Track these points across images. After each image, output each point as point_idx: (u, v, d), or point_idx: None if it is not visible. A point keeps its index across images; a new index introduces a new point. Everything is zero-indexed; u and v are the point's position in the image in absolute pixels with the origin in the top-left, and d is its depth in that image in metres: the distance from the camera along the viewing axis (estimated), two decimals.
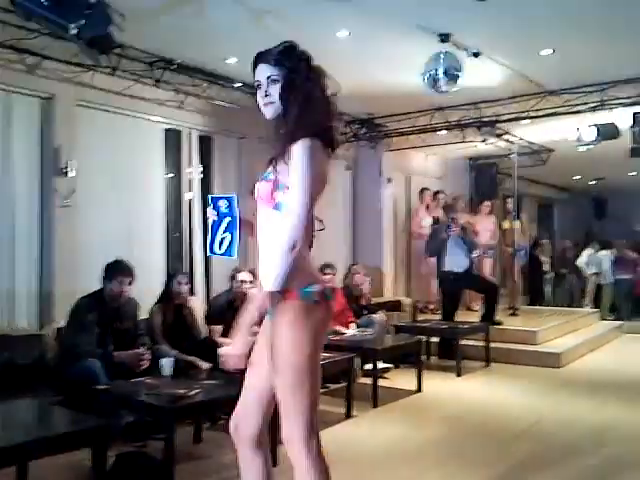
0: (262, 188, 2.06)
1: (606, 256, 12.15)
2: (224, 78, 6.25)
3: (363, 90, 6.47)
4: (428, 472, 3.61)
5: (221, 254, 2.17)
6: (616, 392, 5.56)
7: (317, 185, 1.99)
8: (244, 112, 6.62)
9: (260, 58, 2.10)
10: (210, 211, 2.18)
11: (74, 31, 3.09)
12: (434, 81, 5.06)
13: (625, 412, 4.91)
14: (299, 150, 1.97)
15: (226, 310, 4.98)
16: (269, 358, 2.04)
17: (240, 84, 6.37)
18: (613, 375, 6.33)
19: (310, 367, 2.03)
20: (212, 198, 2.22)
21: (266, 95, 2.06)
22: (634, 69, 6.11)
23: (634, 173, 12.44)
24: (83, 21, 3.08)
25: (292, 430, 2.04)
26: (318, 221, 2.14)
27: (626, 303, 11.81)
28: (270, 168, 2.07)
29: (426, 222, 8.75)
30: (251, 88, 7.21)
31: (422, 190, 9.16)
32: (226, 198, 2.19)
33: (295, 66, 2.04)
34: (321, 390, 4.73)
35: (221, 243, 2.18)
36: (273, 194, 2.03)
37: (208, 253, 2.23)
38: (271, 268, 2.01)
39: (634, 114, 6.79)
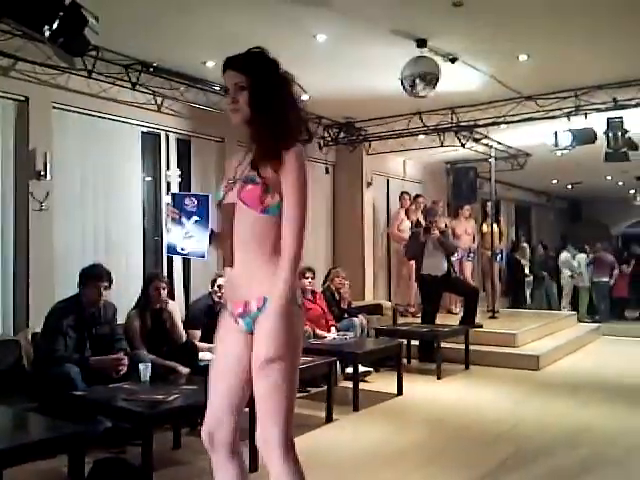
0: (247, 191, 2.04)
1: (583, 259, 12.34)
2: (202, 81, 6.23)
3: (342, 94, 6.50)
4: (409, 475, 3.61)
5: (186, 254, 2.08)
6: (594, 394, 5.62)
7: (308, 191, 2.04)
8: (223, 115, 6.59)
9: (228, 64, 2.10)
10: (171, 209, 2.09)
11: (47, 33, 3.04)
12: (412, 86, 5.09)
13: (603, 414, 4.96)
14: (294, 157, 2.01)
15: (205, 315, 4.95)
16: (241, 362, 2.07)
17: (219, 87, 6.35)
18: (591, 377, 6.40)
19: (294, 370, 2.04)
20: (175, 195, 2.13)
21: (233, 102, 2.06)
22: (607, 75, 6.21)
23: (609, 177, 12.65)
24: (56, 23, 3.04)
25: (271, 434, 2.01)
26: None
27: (604, 305, 11.99)
28: (250, 172, 2.06)
29: (405, 225, 8.79)
30: None
31: (402, 194, 9.20)
32: (195, 196, 2.10)
33: (263, 73, 2.05)
34: (302, 394, 4.74)
35: (187, 243, 2.08)
36: (262, 198, 2.02)
37: (166, 252, 2.14)
38: (256, 272, 2.03)
39: (608, 119, 6.90)
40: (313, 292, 6.20)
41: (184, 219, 2.07)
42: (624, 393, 5.65)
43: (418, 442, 4.24)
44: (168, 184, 6.60)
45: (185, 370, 4.36)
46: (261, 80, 2.04)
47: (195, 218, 2.07)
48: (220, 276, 4.99)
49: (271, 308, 1.98)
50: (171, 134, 6.60)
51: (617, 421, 4.72)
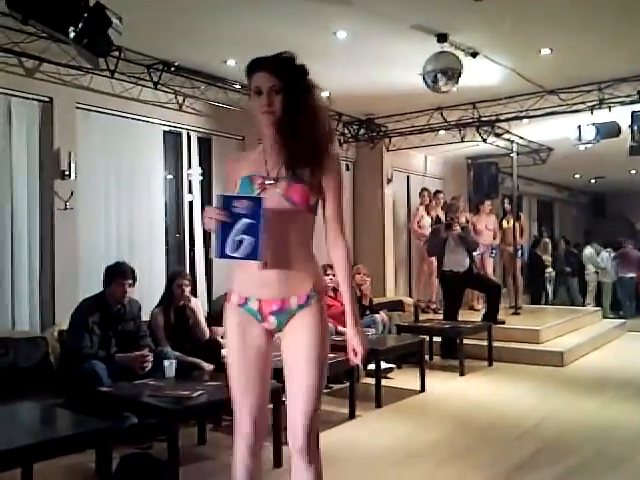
0: (296, 190, 2.09)
1: (607, 255, 12.17)
2: (223, 80, 6.26)
3: (362, 90, 6.48)
4: (433, 472, 3.60)
5: (240, 257, 2.01)
6: (620, 391, 5.55)
7: None
8: (243, 113, 6.63)
9: (260, 65, 2.13)
10: (218, 211, 2.00)
11: (72, 34, 3.08)
12: (434, 81, 5.07)
13: (629, 411, 4.90)
14: (337, 160, 2.20)
15: None
16: (263, 357, 2.14)
17: (239, 86, 6.38)
18: (616, 374, 6.32)
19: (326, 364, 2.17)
20: (224, 197, 2.02)
21: (269, 104, 2.10)
22: (631, 68, 6.12)
23: (634, 171, 12.45)
24: (81, 24, 3.07)
25: (313, 423, 2.09)
26: None
27: (629, 301, 11.83)
28: (288, 172, 2.11)
29: (426, 222, 8.76)
30: (250, 90, 7.18)
31: (422, 190, 9.16)
32: (247, 198, 2.02)
33: (295, 77, 2.11)
34: (325, 390, 4.78)
35: (238, 246, 2.01)
36: (310, 197, 2.11)
37: (215, 256, 2.06)
38: (296, 270, 2.10)
39: (632, 112, 6.80)
40: (334, 289, 6.20)
41: (233, 220, 2.01)
42: None
43: (441, 439, 4.23)
44: (190, 182, 6.66)
45: (209, 366, 4.40)
46: (294, 84, 2.10)
47: (246, 220, 2.00)
48: None
49: (318, 305, 2.10)
50: (192, 133, 6.65)
51: None
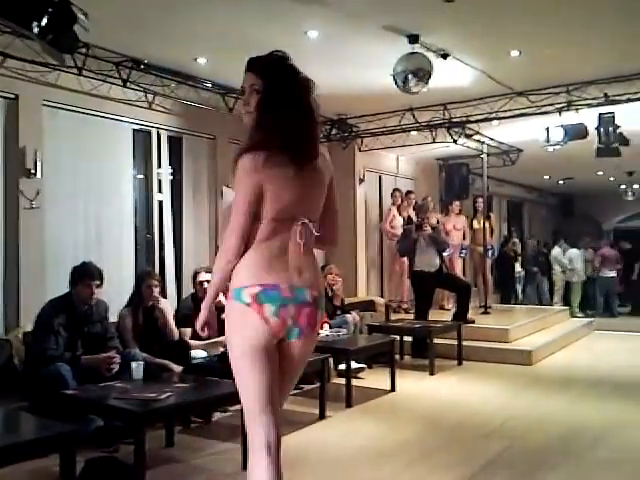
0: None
1: (575, 254, 12.39)
2: (194, 78, 6.19)
3: (334, 90, 6.47)
4: (403, 471, 3.61)
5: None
6: (587, 389, 5.64)
7: None
8: (214, 113, 6.59)
9: (249, 65, 2.14)
10: None
11: (36, 30, 3.01)
12: (404, 82, 5.09)
13: (596, 409, 4.98)
14: (329, 159, 2.22)
15: (194, 312, 4.93)
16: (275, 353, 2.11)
17: (211, 84, 6.33)
18: (584, 372, 6.42)
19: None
20: None
21: (245, 104, 2.11)
22: (598, 71, 6.22)
23: (601, 173, 12.68)
24: (45, 19, 3.00)
25: None
26: None
27: (609, 300, 12.12)
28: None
29: (398, 222, 8.80)
30: (221, 88, 7.19)
31: (393, 191, 9.20)
32: None
33: (278, 79, 2.07)
34: (295, 391, 4.79)
35: None
36: None
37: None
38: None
39: (599, 115, 6.92)
40: None
41: None
42: (616, 388, 5.67)
43: (411, 438, 4.25)
44: (160, 182, 6.58)
45: (178, 368, 4.35)
46: (275, 85, 2.06)
47: None
48: (198, 272, 5.01)
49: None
50: (162, 131, 6.58)
51: (608, 416, 4.74)
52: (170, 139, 6.69)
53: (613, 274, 12.44)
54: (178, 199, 6.77)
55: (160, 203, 6.57)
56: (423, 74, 5.00)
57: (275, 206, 2.05)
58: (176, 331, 4.69)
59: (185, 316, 4.93)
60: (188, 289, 6.34)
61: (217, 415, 4.62)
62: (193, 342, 4.74)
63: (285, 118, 2.04)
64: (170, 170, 6.71)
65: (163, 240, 6.53)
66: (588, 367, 6.67)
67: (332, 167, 2.21)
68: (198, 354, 4.68)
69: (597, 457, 3.84)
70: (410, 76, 5.00)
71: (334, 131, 8.21)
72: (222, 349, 4.57)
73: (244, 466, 3.54)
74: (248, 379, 2.06)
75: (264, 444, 2.02)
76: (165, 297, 5.42)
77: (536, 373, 6.39)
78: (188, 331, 4.81)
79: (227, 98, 6.49)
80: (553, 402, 5.19)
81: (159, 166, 6.57)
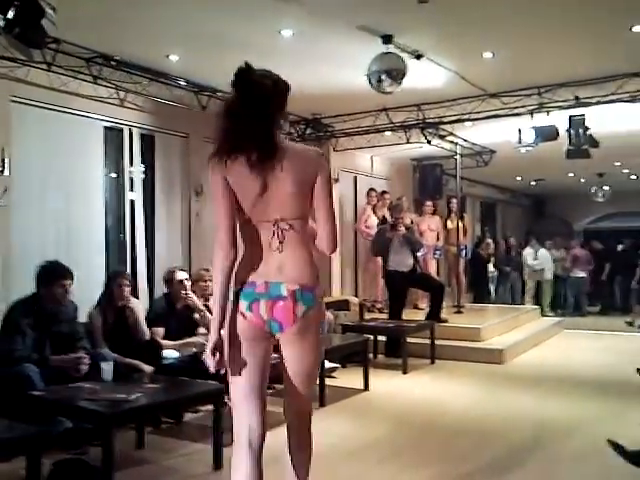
0: None
1: (545, 254, 12.57)
2: (166, 75, 6.13)
3: (308, 90, 6.47)
4: (374, 469, 3.62)
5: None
6: (556, 386, 5.72)
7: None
8: (187, 111, 6.54)
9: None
10: None
11: (1, 23, 2.94)
12: (378, 81, 5.10)
13: (565, 406, 5.05)
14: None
15: (167, 312, 4.90)
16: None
17: (184, 82, 6.27)
18: (554, 370, 6.52)
19: None
20: None
21: None
22: (569, 73, 6.31)
23: (572, 174, 12.88)
24: (11, 13, 2.94)
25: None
26: None
27: (579, 300, 12.34)
28: None
29: (372, 222, 8.83)
30: (194, 86, 7.11)
31: (369, 190, 9.23)
32: None
33: (234, 87, 2.20)
34: (269, 391, 4.84)
35: None
36: None
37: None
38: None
39: (570, 117, 7.02)
40: None
41: None
42: (584, 385, 5.77)
43: (383, 436, 4.27)
44: (132, 180, 6.50)
45: (149, 368, 4.30)
46: (234, 93, 2.21)
47: None
48: (174, 272, 4.97)
49: None
50: (134, 129, 6.49)
51: (577, 413, 4.82)
52: (142, 137, 6.61)
53: (584, 274, 12.64)
54: (150, 198, 6.69)
55: (132, 202, 6.49)
56: (397, 74, 5.02)
57: (245, 205, 2.19)
58: (147, 331, 4.64)
59: (157, 316, 4.89)
60: (161, 289, 6.28)
61: (188, 416, 4.58)
62: (165, 342, 4.69)
63: (237, 122, 2.15)
64: (142, 168, 6.63)
65: (135, 239, 6.45)
66: (558, 365, 6.77)
67: (321, 168, 2.23)
68: (170, 354, 4.63)
69: (566, 452, 3.90)
70: (384, 76, 5.01)
71: (309, 130, 8.21)
72: (194, 349, 4.54)
73: (215, 466, 3.54)
74: (232, 370, 2.24)
75: (246, 441, 2.22)
76: (137, 297, 5.36)
77: (507, 371, 6.47)
78: (160, 331, 4.77)
79: (200, 96, 6.45)
80: (524, 400, 5.25)
81: (131, 164, 6.49)
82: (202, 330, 5.04)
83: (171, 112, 6.50)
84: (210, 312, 5.20)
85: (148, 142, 6.70)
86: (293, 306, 2.17)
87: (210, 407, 3.77)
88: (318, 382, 5.10)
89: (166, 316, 4.87)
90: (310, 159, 2.23)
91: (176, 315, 4.94)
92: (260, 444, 2.25)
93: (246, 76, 2.16)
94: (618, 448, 3.17)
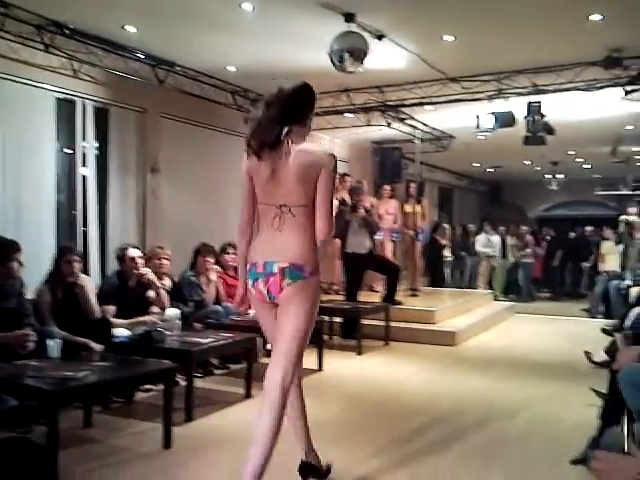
0: None
1: (498, 240, 12.81)
2: (122, 47, 5.95)
3: (269, 67, 6.38)
4: (325, 449, 3.61)
5: None
6: (507, 368, 5.84)
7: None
8: (145, 84, 6.37)
9: None
10: None
11: None
12: (340, 60, 5.06)
13: (515, 387, 5.16)
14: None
15: (119, 290, 4.80)
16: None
17: (142, 55, 6.09)
18: (504, 352, 6.65)
19: None
20: None
21: None
22: (528, 60, 6.38)
23: (528, 162, 13.13)
24: None
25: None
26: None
27: (526, 284, 12.63)
28: None
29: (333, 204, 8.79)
30: (153, 60, 6.92)
31: None
32: None
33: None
34: (222, 371, 4.88)
35: None
36: None
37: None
38: None
39: (528, 103, 7.11)
40: (235, 268, 6.12)
41: None
42: (533, 367, 5.91)
43: (335, 416, 4.28)
44: (84, 155, 6.31)
45: (98, 347, 4.20)
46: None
47: None
48: (127, 249, 4.87)
49: None
50: (88, 102, 6.29)
51: (525, 394, 4.93)
52: (97, 110, 6.41)
53: (533, 260, 12.94)
54: (104, 174, 6.52)
55: (84, 178, 6.31)
56: (359, 53, 4.99)
57: (258, 190, 2.66)
58: (97, 308, 4.53)
59: (109, 293, 4.78)
60: (113, 266, 6.15)
61: (140, 395, 4.51)
62: (116, 320, 4.59)
63: (255, 124, 2.59)
64: (96, 143, 6.44)
65: (87, 216, 6.28)
66: (508, 348, 6.92)
67: (325, 164, 2.57)
68: (121, 333, 4.53)
69: (511, 431, 3.99)
70: (346, 55, 4.97)
71: None
72: (145, 328, 4.46)
73: (165, 445, 3.50)
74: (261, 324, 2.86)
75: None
76: (87, 274, 5.23)
77: (459, 353, 6.57)
78: (111, 309, 4.67)
79: (158, 70, 6.28)
80: (474, 381, 5.35)
81: (84, 139, 6.29)
82: (155, 309, 4.96)
83: (127, 85, 6.32)
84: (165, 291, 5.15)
85: (102, 116, 6.51)
86: (280, 280, 2.58)
87: (162, 386, 3.71)
88: None
89: (118, 294, 4.77)
90: (316, 155, 2.59)
91: (128, 293, 4.84)
92: (272, 387, 2.68)
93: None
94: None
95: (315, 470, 3.00)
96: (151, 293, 4.95)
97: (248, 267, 2.68)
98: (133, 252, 4.86)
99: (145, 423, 3.94)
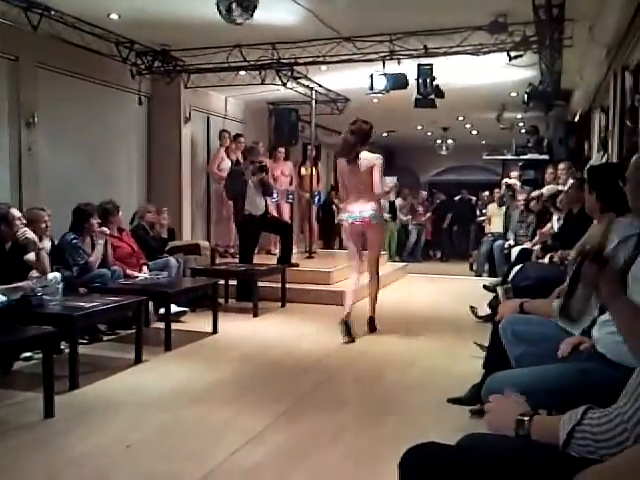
0: None
1: (395, 204, 13.15)
2: None
3: (156, 17, 6.03)
4: (218, 410, 3.56)
5: None
6: (399, 325, 5.99)
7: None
8: (16, 30, 5.82)
9: None
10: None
11: None
12: (228, 10, 4.83)
13: (406, 342, 5.33)
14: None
15: None
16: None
17: None
18: (397, 310, 6.82)
19: None
20: None
21: None
22: (421, 22, 6.44)
23: (420, 127, 13.44)
24: None
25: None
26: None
27: (418, 246, 13.16)
28: None
29: (225, 165, 8.60)
30: (22, 2, 6.30)
31: (222, 132, 8.97)
32: None
33: None
34: (111, 337, 4.66)
35: None
36: None
37: None
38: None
39: (418, 65, 7.20)
40: (120, 229, 5.85)
41: None
42: (424, 323, 6.12)
43: (229, 378, 4.22)
44: None
45: None
46: None
47: None
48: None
49: None
50: None
51: (415, 348, 5.09)
52: None
53: (425, 222, 13.46)
54: None
55: None
56: (248, 4, 4.78)
57: (346, 179, 5.36)
58: None
59: None
60: None
61: (19, 364, 4.22)
62: None
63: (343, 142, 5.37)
64: None
65: None
66: (401, 305, 7.12)
67: (375, 164, 5.22)
68: None
69: (402, 383, 4.11)
70: (234, 5, 4.75)
71: (157, 63, 7.70)
72: (22, 293, 4.14)
73: (46, 415, 3.29)
74: (350, 243, 5.54)
75: (355, 268, 5.64)
76: None
77: (355, 313, 6.66)
78: None
79: (30, 14, 5.72)
80: (367, 338, 5.45)
81: None
82: (35, 273, 4.62)
83: None
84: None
85: None
86: (362, 220, 5.23)
87: (41, 355, 3.47)
88: (164, 327, 4.93)
89: None
90: (371, 159, 5.23)
91: (5, 257, 4.47)
92: (358, 269, 5.60)
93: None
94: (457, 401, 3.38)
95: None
96: (30, 256, 4.60)
97: (345, 212, 5.36)
98: (15, 212, 4.47)
99: (25, 393, 3.70)
